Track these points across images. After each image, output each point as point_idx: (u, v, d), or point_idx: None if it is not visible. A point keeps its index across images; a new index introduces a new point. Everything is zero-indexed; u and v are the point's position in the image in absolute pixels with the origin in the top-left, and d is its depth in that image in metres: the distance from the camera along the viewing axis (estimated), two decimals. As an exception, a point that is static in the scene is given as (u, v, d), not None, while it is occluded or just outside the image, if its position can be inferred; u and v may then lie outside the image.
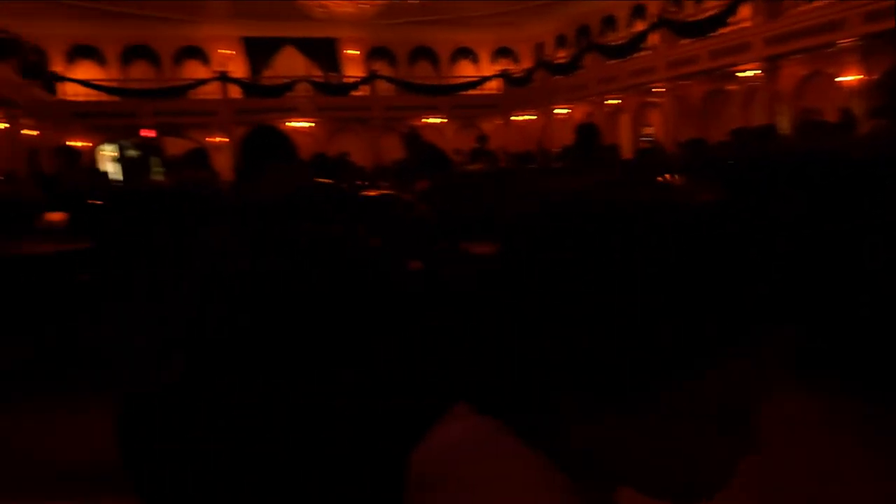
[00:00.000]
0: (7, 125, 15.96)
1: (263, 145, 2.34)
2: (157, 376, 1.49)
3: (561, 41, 24.18)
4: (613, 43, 20.01)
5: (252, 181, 2.30)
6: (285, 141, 2.39)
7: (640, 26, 19.32)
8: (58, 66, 21.31)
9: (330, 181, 3.20)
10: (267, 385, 1.23)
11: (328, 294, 1.35)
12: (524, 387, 0.53)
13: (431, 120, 23.91)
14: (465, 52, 26.37)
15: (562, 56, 23.13)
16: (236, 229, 1.68)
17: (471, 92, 24.61)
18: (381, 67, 24.41)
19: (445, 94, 24.09)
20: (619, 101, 20.19)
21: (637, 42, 18.47)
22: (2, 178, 11.54)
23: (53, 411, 3.97)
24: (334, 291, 1.36)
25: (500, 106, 24.64)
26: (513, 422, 0.54)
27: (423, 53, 25.89)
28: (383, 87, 23.66)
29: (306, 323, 1.31)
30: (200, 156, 9.53)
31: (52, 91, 20.08)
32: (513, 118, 24.57)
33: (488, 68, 26.09)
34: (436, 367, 0.92)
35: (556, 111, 22.72)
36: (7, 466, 3.33)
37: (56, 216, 4.81)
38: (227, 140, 21.86)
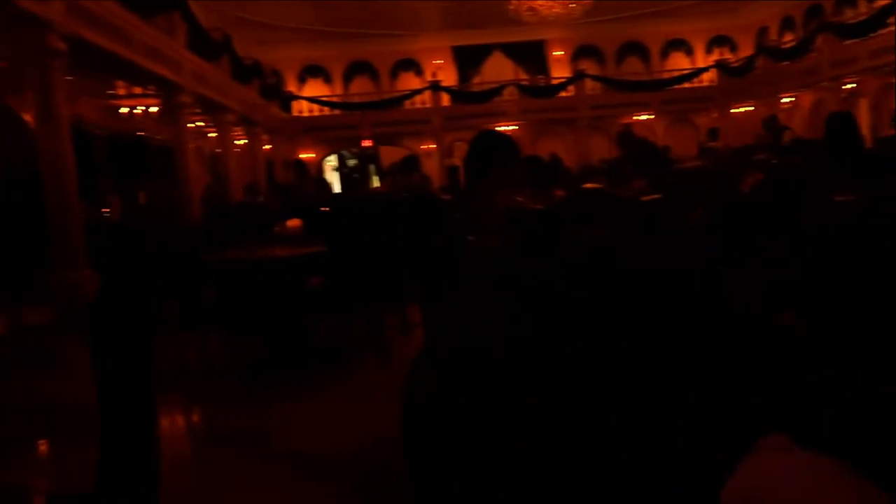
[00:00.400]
0: (247, 141, 17.94)
1: (490, 149, 2.37)
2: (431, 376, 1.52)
3: (787, 24, 22.17)
4: (852, 21, 17.91)
5: (479, 183, 2.33)
6: (510, 144, 2.40)
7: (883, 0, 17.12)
8: (291, 86, 23.58)
9: (599, 185, 3.16)
10: (557, 394, 1.20)
11: (612, 299, 1.30)
12: (866, 419, 0.43)
13: (641, 117, 23.08)
14: (678, 45, 25.07)
15: (788, 40, 21.18)
16: (515, 235, 1.68)
17: (683, 85, 23.38)
18: (588, 66, 24.00)
19: (656, 90, 23.12)
20: (855, 85, 18.03)
21: (881, 17, 16.33)
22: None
23: (289, 404, 4.33)
24: (615, 297, 1.30)
25: (715, 98, 23.12)
26: (851, 458, 0.43)
27: (633, 49, 25.00)
28: (590, 86, 23.25)
29: (593, 330, 1.27)
30: (413, 162, 9.99)
31: (287, 109, 22.21)
32: (731, 111, 22.94)
33: (703, 59, 24.63)
34: (745, 392, 0.83)
35: (781, 100, 20.85)
36: (249, 454, 3.67)
37: (293, 223, 5.26)
38: (436, 147, 22.81)
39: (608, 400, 1.13)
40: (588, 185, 2.81)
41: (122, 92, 14.92)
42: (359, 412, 4.08)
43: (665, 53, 25.19)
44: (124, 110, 16.16)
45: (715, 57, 24.08)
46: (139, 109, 16.19)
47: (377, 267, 5.02)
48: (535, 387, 1.21)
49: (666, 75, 23.95)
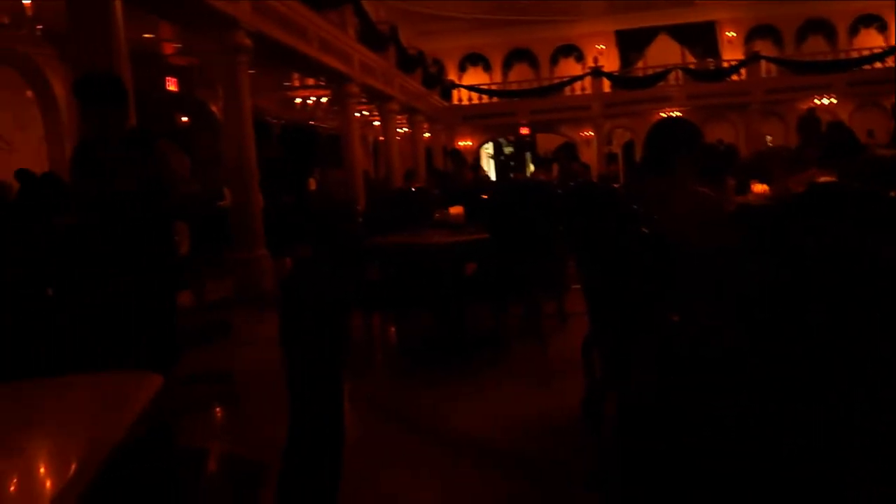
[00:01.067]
0: (409, 129, 18.48)
1: (675, 137, 2.24)
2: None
3: None
4: None
5: (661, 174, 2.21)
6: (696, 132, 2.26)
7: None
8: (452, 75, 23.99)
9: (834, 177, 2.95)
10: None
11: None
12: None
13: (822, 101, 21.18)
14: (869, 20, 22.68)
15: None
16: (741, 232, 1.60)
17: (875, 66, 21.15)
18: (764, 47, 22.35)
19: (841, 71, 21.08)
20: None
21: None
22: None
23: (447, 386, 4.42)
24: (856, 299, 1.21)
25: (914, 79, 20.71)
26: None
27: (816, 27, 22.93)
28: (765, 68, 21.68)
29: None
30: (571, 150, 9.82)
31: (447, 97, 22.61)
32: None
33: (899, 36, 22.16)
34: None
35: None
36: (406, 433, 3.78)
37: (455, 210, 5.33)
38: (594, 134, 22.30)
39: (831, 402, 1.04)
40: (823, 179, 2.58)
41: (296, 83, 15.87)
42: (516, 399, 4.08)
43: (854, 30, 22.89)
44: (297, 101, 17.22)
45: (914, 32, 21.61)
46: (311, 100, 17.18)
47: (538, 254, 4.98)
48: (756, 387, 1.14)
49: (854, 54, 21.79)
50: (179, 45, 10.55)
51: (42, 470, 1.20)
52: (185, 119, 15.01)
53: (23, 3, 6.75)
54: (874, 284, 1.19)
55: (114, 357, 2.59)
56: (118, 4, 5.18)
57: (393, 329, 5.92)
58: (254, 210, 8.10)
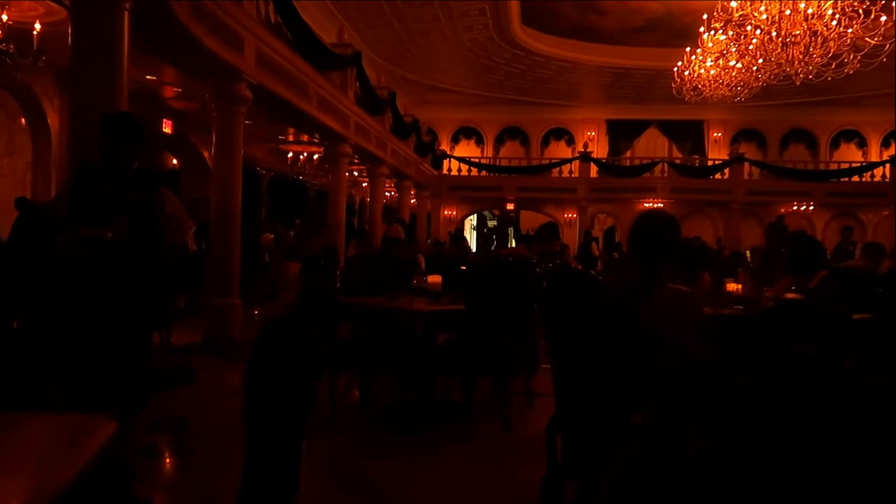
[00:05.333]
0: (396, 193, 18.65)
1: (666, 231, 2.26)
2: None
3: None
4: None
5: (643, 268, 2.22)
6: (678, 228, 2.30)
7: None
8: (444, 145, 24.44)
9: (800, 296, 3.01)
10: None
11: None
12: None
13: (800, 208, 21.83)
14: (850, 135, 23.68)
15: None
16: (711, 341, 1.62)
17: (853, 179, 21.94)
18: (748, 150, 23.14)
19: (820, 181, 21.84)
20: None
21: None
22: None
23: (408, 455, 4.33)
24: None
25: (889, 195, 21.44)
26: None
27: (799, 136, 23.90)
28: (748, 170, 22.38)
29: None
30: (554, 230, 9.96)
31: (438, 166, 22.95)
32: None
33: (877, 153, 23.08)
34: None
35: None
36: (363, 500, 3.67)
37: (433, 278, 5.34)
38: (577, 216, 22.68)
39: None
40: (790, 296, 2.64)
41: (290, 138, 16.08)
42: (475, 476, 4.01)
43: (835, 143, 23.85)
44: (290, 155, 17.42)
45: (891, 151, 22.50)
46: (303, 155, 17.39)
47: (511, 331, 4.98)
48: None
49: (833, 166, 22.62)
50: (179, 90, 10.69)
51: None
52: (175, 161, 15.08)
53: (32, 34, 6.86)
54: (838, 401, 1.21)
55: (77, 397, 2.53)
56: (125, 45, 5.26)
57: (358, 391, 5.83)
58: (232, 257, 8.06)
